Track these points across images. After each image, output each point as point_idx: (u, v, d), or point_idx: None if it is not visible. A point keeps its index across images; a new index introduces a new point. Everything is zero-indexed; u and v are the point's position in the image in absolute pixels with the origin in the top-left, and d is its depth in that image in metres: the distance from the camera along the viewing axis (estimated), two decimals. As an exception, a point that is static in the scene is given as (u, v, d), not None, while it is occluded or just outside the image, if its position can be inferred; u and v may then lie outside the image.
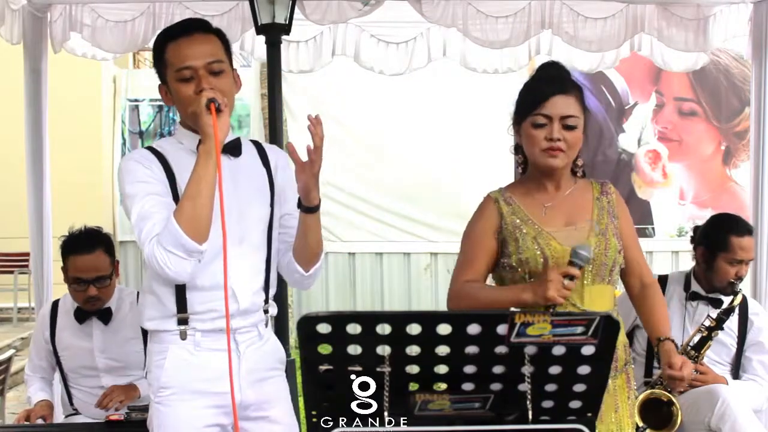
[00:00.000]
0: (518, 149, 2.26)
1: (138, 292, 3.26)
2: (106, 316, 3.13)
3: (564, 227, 2.19)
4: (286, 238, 2.21)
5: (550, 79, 2.18)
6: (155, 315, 2.07)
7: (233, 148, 2.11)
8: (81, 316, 3.13)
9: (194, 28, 2.08)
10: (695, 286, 3.16)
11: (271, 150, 2.26)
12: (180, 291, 2.04)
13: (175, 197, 2.02)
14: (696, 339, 2.97)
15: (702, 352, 2.98)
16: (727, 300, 3.03)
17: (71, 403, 3.24)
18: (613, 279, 2.19)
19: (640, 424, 2.91)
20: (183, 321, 2.04)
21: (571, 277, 2.02)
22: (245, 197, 2.11)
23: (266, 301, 2.16)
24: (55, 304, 3.24)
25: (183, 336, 2.04)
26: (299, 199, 2.07)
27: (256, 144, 2.26)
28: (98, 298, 3.07)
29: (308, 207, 2.06)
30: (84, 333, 3.15)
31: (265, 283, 2.15)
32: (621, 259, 2.20)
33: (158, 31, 4.08)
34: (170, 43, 2.06)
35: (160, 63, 2.10)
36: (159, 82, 2.13)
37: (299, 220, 2.11)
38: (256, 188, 2.15)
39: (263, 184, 2.17)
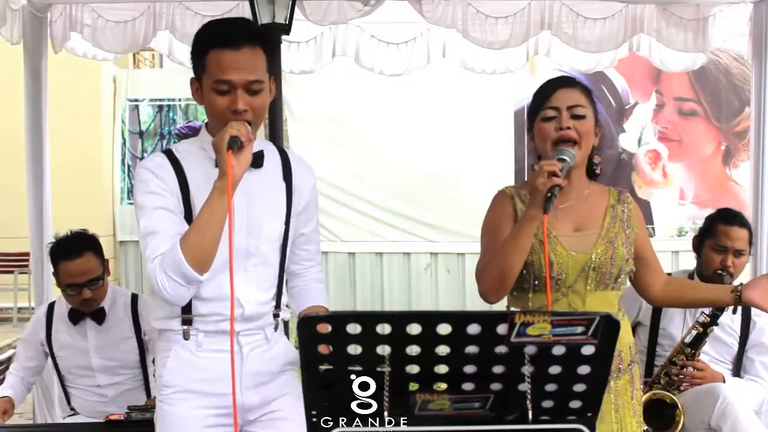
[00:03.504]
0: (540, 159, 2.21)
1: (132, 294, 3.29)
2: (99, 316, 3.15)
3: (573, 232, 2.18)
4: (295, 258, 2.21)
5: (555, 79, 2.29)
6: (161, 315, 2.08)
7: (256, 159, 2.02)
8: (75, 317, 3.16)
9: (243, 39, 1.95)
10: (696, 285, 3.18)
11: (297, 163, 2.18)
12: None
13: (187, 209, 2.00)
14: (692, 335, 2.98)
15: (698, 349, 2.98)
16: None
17: (69, 403, 3.25)
18: (618, 286, 2.20)
19: (644, 426, 2.91)
20: (187, 321, 2.04)
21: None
22: (258, 212, 2.06)
23: (277, 307, 2.14)
24: (51, 306, 3.26)
25: (186, 336, 2.04)
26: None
27: (282, 154, 2.18)
28: (93, 299, 3.10)
29: None
30: (79, 334, 3.17)
31: (277, 296, 2.13)
32: (629, 267, 2.20)
33: (158, 32, 4.19)
34: (214, 50, 1.95)
35: (198, 62, 2.00)
36: (192, 76, 2.04)
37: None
38: (272, 203, 2.09)
39: (280, 199, 2.11)
